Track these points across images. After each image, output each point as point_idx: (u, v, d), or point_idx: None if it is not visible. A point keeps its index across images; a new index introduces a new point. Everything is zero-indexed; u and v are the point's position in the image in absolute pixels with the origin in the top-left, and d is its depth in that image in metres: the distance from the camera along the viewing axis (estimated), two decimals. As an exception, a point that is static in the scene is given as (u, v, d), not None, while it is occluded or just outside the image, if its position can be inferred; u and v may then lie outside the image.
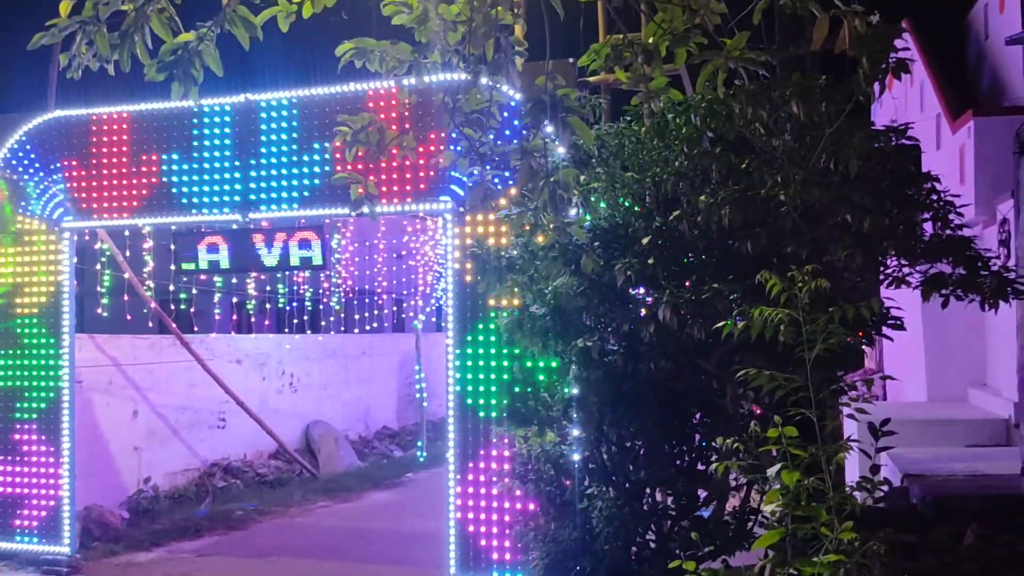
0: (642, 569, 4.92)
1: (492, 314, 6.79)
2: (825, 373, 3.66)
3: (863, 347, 5.55)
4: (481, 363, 6.95)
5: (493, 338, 6.84)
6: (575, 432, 5.26)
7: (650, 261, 4.67)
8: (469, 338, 6.99)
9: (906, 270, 4.74)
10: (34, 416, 8.36)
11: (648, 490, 5.25)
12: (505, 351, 6.67)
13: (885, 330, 4.73)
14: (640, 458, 5.25)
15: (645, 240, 4.78)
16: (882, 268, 4.81)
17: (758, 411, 5.02)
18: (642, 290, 4.91)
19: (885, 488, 3.46)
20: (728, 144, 4.81)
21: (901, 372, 10.01)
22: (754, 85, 4.30)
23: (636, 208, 5.16)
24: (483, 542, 6.87)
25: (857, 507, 2.86)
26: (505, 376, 6.65)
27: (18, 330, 8.45)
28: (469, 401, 6.94)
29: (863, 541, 2.71)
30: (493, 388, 6.85)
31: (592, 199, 5.25)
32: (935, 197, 4.74)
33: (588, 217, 5.09)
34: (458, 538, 6.92)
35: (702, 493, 5.26)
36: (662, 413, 5.05)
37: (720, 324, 3.77)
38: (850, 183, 4.20)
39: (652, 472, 5.16)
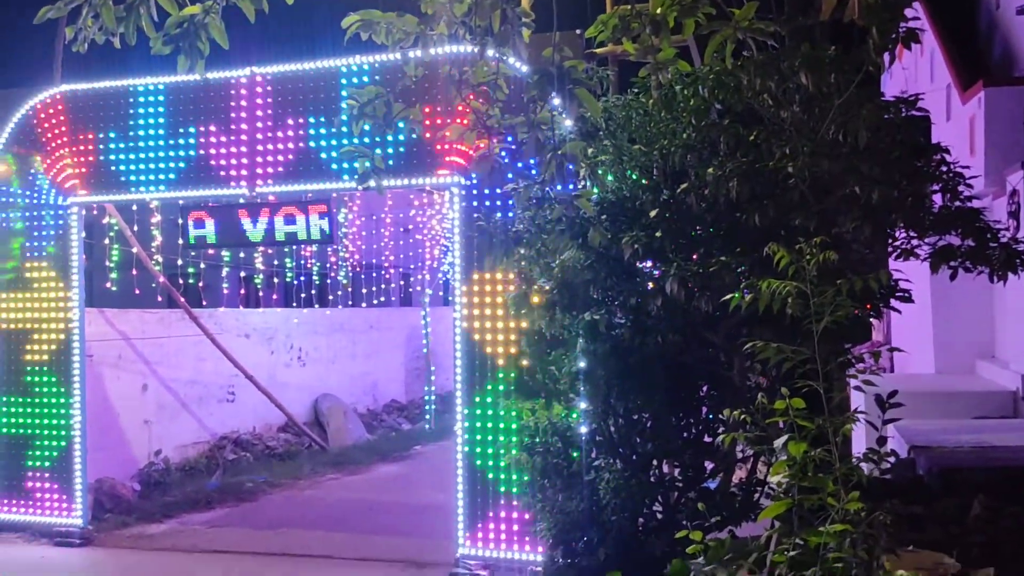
0: (649, 539, 4.96)
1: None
2: (832, 345, 3.66)
3: (871, 319, 5.54)
4: (488, 335, 6.98)
5: (500, 311, 6.87)
6: (582, 405, 5.28)
7: (657, 234, 4.66)
8: (476, 312, 7.02)
9: (915, 242, 4.72)
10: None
11: (655, 462, 5.27)
12: (511, 322, 6.71)
13: (893, 302, 4.73)
14: (647, 430, 5.27)
15: (652, 213, 4.76)
16: (891, 240, 4.80)
17: (765, 383, 5.03)
18: (649, 263, 4.91)
19: (892, 459, 3.48)
20: (736, 116, 4.77)
21: (909, 344, 10.01)
22: (763, 56, 4.26)
23: (643, 181, 5.14)
24: (491, 512, 6.95)
25: (864, 478, 2.87)
26: (512, 348, 6.69)
27: (28, 291, 8.51)
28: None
29: (869, 512, 2.73)
30: (500, 359, 6.89)
31: (599, 172, 5.23)
32: (944, 168, 4.71)
33: (596, 190, 5.08)
34: (466, 507, 7.01)
35: (709, 465, 5.28)
36: (669, 386, 5.06)
37: (728, 297, 3.76)
38: (859, 154, 4.17)
39: (659, 444, 5.18)
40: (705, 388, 5.34)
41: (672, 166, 4.91)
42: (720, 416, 5.19)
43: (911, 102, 4.66)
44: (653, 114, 5.15)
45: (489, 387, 6.99)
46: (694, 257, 4.67)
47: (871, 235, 4.35)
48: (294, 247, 13.31)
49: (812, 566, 2.59)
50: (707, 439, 5.31)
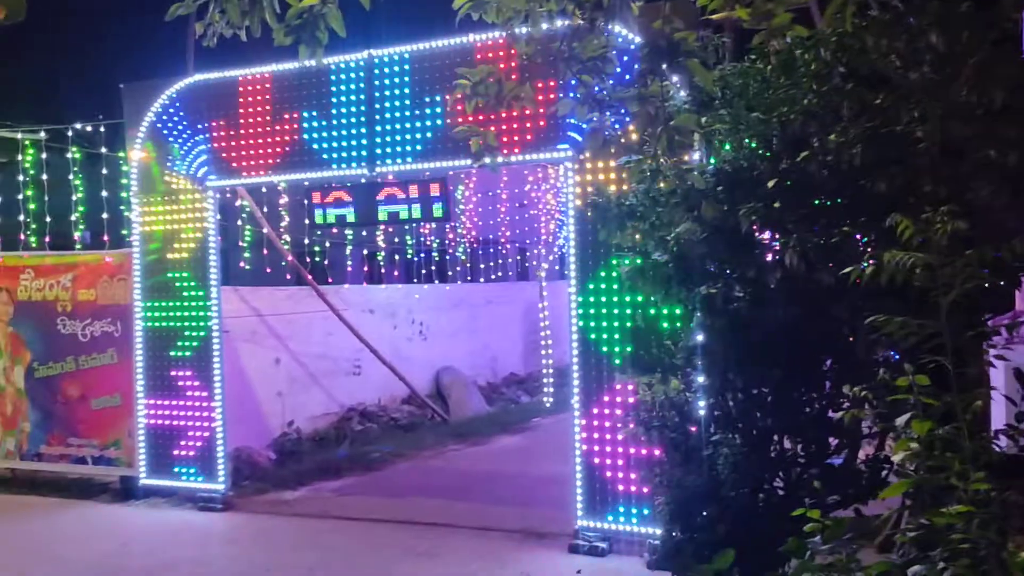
0: (770, 515, 4.87)
1: (613, 261, 6.84)
2: (966, 317, 3.48)
3: (1014, 288, 5.22)
4: (604, 309, 7.02)
5: (615, 285, 6.88)
6: (699, 379, 5.22)
7: (776, 205, 4.53)
8: (591, 285, 7.06)
9: (1058, 206, 4.42)
10: (188, 354, 8.97)
11: (775, 437, 5.16)
12: (626, 296, 6.72)
13: (1034, 271, 4.44)
14: (767, 405, 5.16)
15: (771, 183, 4.63)
16: (1030, 205, 4.50)
17: (896, 357, 4.83)
18: (768, 235, 4.78)
19: (1031, 436, 3.29)
20: (860, 79, 4.57)
21: (1055, 315, 9.36)
22: (889, 15, 4.06)
23: (761, 150, 5.00)
24: (609, 486, 6.99)
25: (994, 456, 2.74)
26: (627, 322, 6.70)
27: (172, 281, 9.04)
28: (592, 336, 7.10)
29: (1002, 491, 2.60)
30: (616, 332, 6.95)
31: (716, 142, 5.12)
32: (1091, 128, 4.38)
33: (713, 160, 4.98)
34: (584, 480, 7.08)
35: (833, 441, 5.13)
36: (790, 360, 4.93)
37: (848, 270, 3.64)
38: (995, 117, 3.93)
39: (779, 419, 5.06)
40: (828, 362, 5.18)
41: (792, 134, 4.76)
42: (852, 390, 5.03)
43: (1053, 59, 4.35)
44: (771, 80, 4.99)
45: (605, 362, 7.01)
46: (815, 228, 4.52)
47: (1008, 201, 4.10)
48: (413, 224, 13.64)
49: (938, 547, 2.50)
50: (831, 414, 5.16)
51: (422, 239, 16.15)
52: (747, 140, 5.06)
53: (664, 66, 3.19)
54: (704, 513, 4.97)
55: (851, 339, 4.71)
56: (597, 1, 3.34)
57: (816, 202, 4.69)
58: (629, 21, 3.35)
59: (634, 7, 3.35)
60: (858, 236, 4.32)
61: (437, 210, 8.17)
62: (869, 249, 4.12)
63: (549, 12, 3.56)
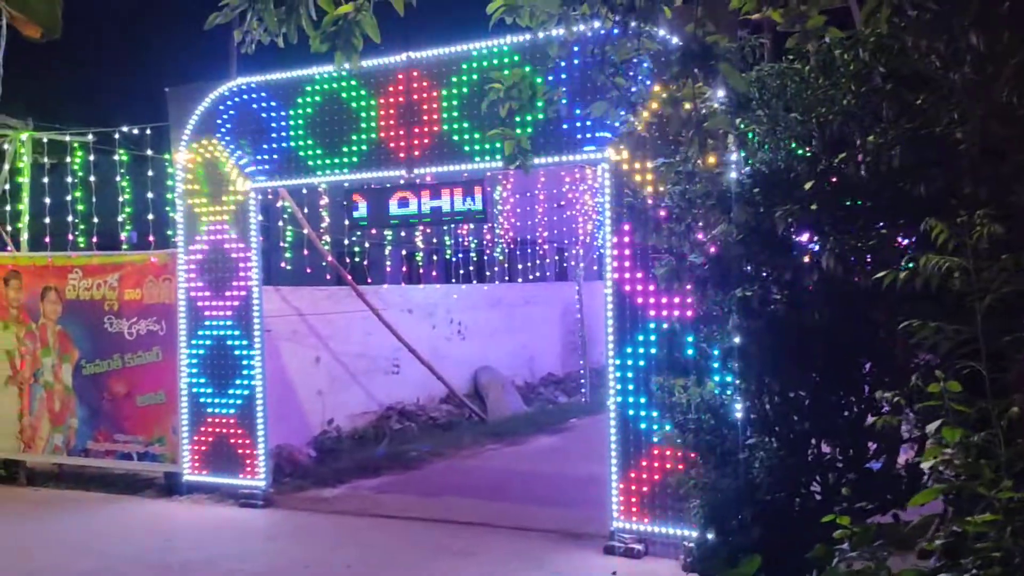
0: (805, 520, 4.83)
1: (653, 351, 6.80)
2: (1004, 322, 3.43)
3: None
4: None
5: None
6: (735, 382, 5.19)
7: (813, 207, 4.50)
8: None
9: (1104, 209, 4.32)
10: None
11: (812, 441, 5.12)
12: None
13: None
14: (804, 408, 5.11)
15: (808, 185, 4.60)
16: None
17: (936, 361, 4.77)
18: (805, 237, 4.75)
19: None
20: (900, 80, 4.52)
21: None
22: (927, 15, 4.01)
23: (799, 151, 4.96)
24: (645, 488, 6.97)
25: (1030, 465, 2.69)
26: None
27: (212, 272, 9.19)
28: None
29: (1037, 499, 2.56)
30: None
31: (754, 142, 5.08)
32: None
33: (749, 162, 4.95)
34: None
35: (873, 446, 5.07)
36: (828, 363, 4.89)
37: (881, 274, 3.60)
38: (1037, 117, 3.86)
39: (816, 423, 5.02)
40: (868, 366, 5.12)
41: (831, 135, 4.71)
42: (884, 395, 4.97)
43: (1098, 57, 4.24)
44: (810, 81, 4.95)
45: (642, 364, 6.98)
46: (852, 230, 4.48)
47: (1051, 202, 4.02)
48: (452, 225, 13.72)
49: (970, 555, 2.47)
50: (870, 418, 5.10)
51: (460, 239, 16.23)
52: (785, 141, 5.02)
53: (696, 69, 3.19)
54: (739, 516, 4.95)
55: (890, 342, 4.65)
56: (630, 3, 3.35)
57: (855, 203, 4.65)
58: (662, 23, 3.35)
59: (667, 10, 3.35)
60: (898, 239, 4.28)
61: (470, 207, 8.22)
62: (908, 252, 4.08)
63: (583, 15, 3.57)
